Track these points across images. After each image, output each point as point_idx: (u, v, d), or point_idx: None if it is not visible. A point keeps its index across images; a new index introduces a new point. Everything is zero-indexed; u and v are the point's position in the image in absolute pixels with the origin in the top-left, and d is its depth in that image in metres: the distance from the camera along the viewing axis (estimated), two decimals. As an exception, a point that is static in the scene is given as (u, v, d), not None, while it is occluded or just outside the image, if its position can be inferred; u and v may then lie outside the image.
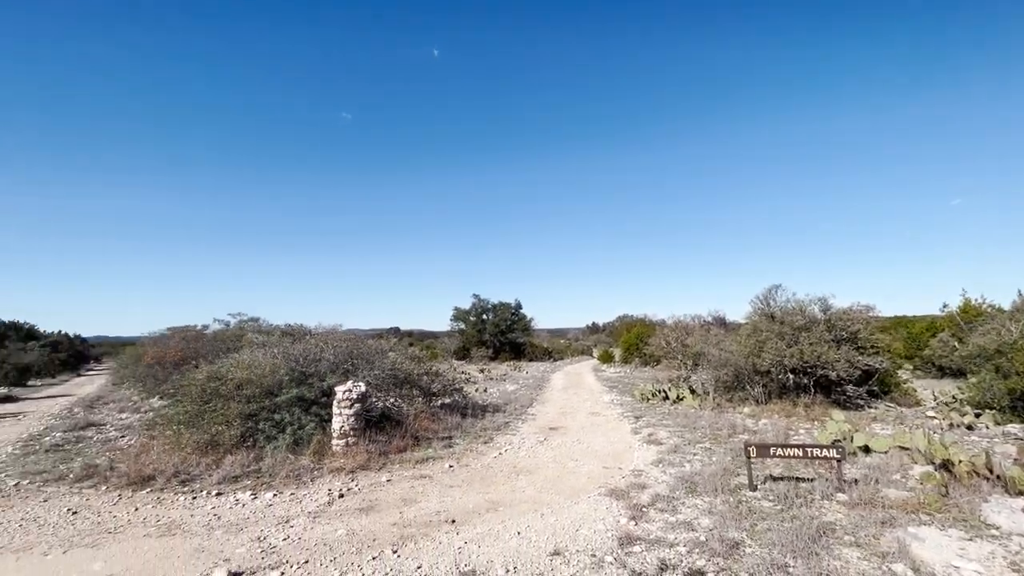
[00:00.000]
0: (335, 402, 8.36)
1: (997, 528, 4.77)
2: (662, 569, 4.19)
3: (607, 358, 36.49)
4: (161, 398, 12.84)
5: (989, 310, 19.07)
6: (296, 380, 8.99)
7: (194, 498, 6.38)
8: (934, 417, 11.02)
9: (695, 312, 24.63)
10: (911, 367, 21.29)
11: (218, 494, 6.48)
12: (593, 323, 77.38)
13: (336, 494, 6.46)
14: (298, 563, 4.50)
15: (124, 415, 13.21)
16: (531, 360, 39.65)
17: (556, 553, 4.58)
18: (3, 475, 7.59)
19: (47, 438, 10.31)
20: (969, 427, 9.83)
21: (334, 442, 8.18)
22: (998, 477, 5.84)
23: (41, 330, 37.03)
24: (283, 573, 4.31)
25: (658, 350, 21.96)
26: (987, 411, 10.45)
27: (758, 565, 4.09)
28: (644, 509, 5.63)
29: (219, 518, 5.70)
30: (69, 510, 5.99)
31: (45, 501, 6.39)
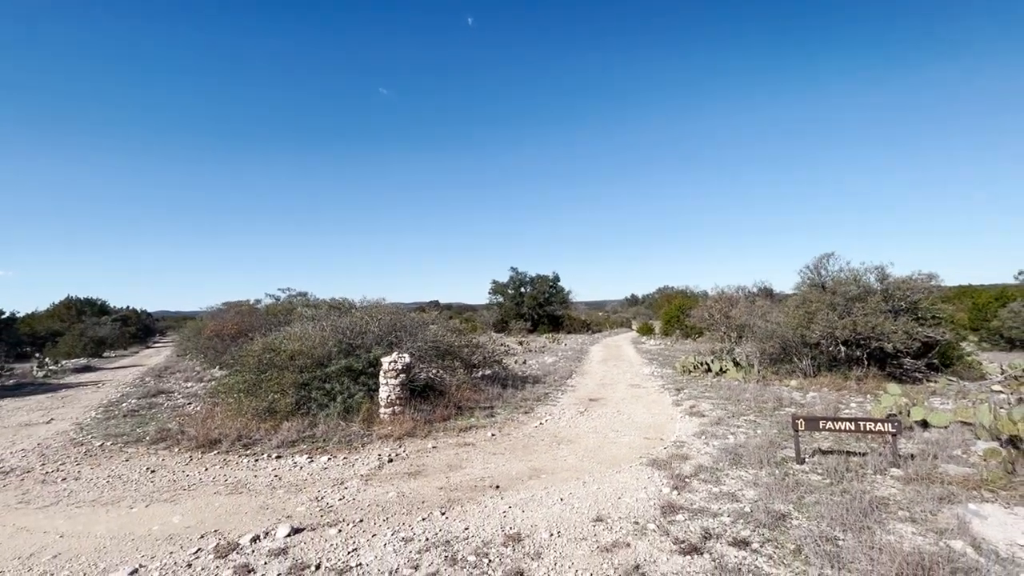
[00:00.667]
0: (381, 372, 8.69)
1: (1069, 507, 4.52)
2: (706, 538, 4.21)
3: (647, 330, 36.05)
4: (221, 368, 13.68)
5: (1070, 277, 17.55)
6: (344, 351, 9.38)
7: (256, 460, 6.85)
8: (1001, 391, 10.38)
9: (739, 283, 23.82)
10: (976, 339, 20.00)
11: (278, 457, 6.93)
12: (632, 295, 76.39)
13: (386, 459, 6.78)
14: (354, 522, 4.78)
15: (189, 384, 14.20)
16: (569, 332, 39.67)
17: (599, 519, 4.68)
18: (90, 436, 8.37)
19: (124, 404, 11.23)
20: (1041, 402, 9.21)
21: (381, 410, 8.54)
22: (1073, 455, 5.49)
23: (112, 306, 39.88)
24: (340, 531, 4.60)
25: (700, 322, 21.48)
26: (1063, 386, 9.74)
27: (805, 537, 4.05)
28: (686, 479, 5.64)
29: (280, 479, 6.11)
30: (148, 469, 6.57)
31: (127, 460, 7.02)
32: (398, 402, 8.58)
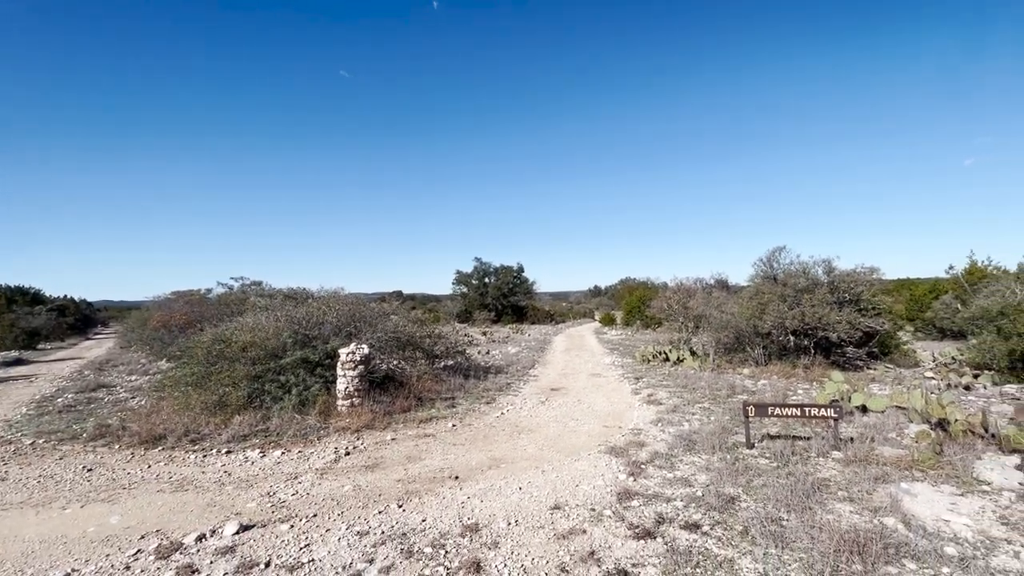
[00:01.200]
0: (339, 364, 8.47)
1: (989, 484, 4.88)
2: (659, 522, 4.31)
3: (609, 321, 36.72)
4: (168, 360, 13.04)
5: (995, 272, 18.93)
6: (300, 343, 9.08)
7: (204, 456, 6.56)
8: (932, 378, 11.13)
9: (697, 275, 24.53)
10: (912, 329, 21.36)
11: (228, 452, 6.66)
12: (595, 286, 77.52)
13: (343, 452, 6.62)
14: (307, 517, 4.65)
15: (133, 377, 13.46)
16: (533, 323, 39.94)
17: (556, 507, 4.72)
18: (19, 434, 7.80)
19: (59, 399, 10.53)
20: (967, 387, 9.93)
21: (339, 402, 8.33)
22: (992, 435, 5.93)
23: (48, 295, 37.30)
24: (293, 526, 4.46)
25: (659, 313, 22.00)
26: (986, 372, 10.54)
27: (752, 519, 4.21)
28: (642, 466, 5.76)
29: (229, 475, 5.87)
30: (84, 467, 6.17)
31: (61, 459, 6.58)
32: (356, 394, 8.40)
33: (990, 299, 13.36)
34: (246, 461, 6.33)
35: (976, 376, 10.47)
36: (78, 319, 36.23)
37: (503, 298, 41.07)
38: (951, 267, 20.60)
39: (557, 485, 5.32)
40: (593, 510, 4.64)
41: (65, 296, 40.93)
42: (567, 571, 3.62)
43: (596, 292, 73.71)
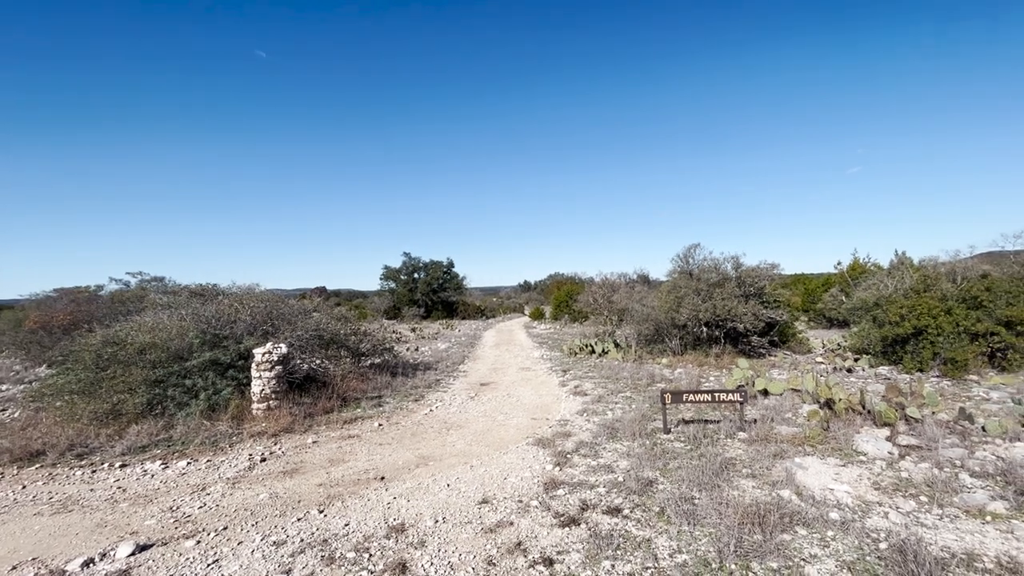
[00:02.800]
0: (254, 365, 7.93)
1: (865, 455, 5.52)
2: (583, 509, 4.45)
3: (538, 315, 37.40)
4: (49, 366, 11.55)
5: (872, 268, 21.46)
6: (209, 343, 8.39)
7: (94, 472, 5.88)
8: (822, 362, 12.42)
9: (622, 270, 25.66)
10: (807, 319, 23.71)
11: (122, 466, 6.02)
12: (525, 281, 78.63)
13: (258, 458, 6.22)
14: (216, 530, 4.31)
15: (4, 387, 11.77)
16: (464, 318, 39.78)
17: (484, 501, 4.73)
18: None
19: (-95, 415, 8.97)
20: (849, 370, 11.19)
21: (254, 406, 7.81)
22: (869, 412, 6.73)
23: None
24: (199, 541, 4.12)
25: (586, 307, 22.75)
26: (864, 356, 11.92)
27: (668, 499, 4.47)
28: (568, 455, 5.93)
29: (124, 491, 5.31)
30: (-63, 493, 5.31)
31: (-94, 485, 5.61)
32: (274, 396, 7.91)
33: (867, 292, 15.14)
34: (145, 474, 5.76)
35: (856, 360, 11.81)
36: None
37: (433, 294, 40.56)
38: (838, 263, 23.08)
39: (485, 480, 5.33)
40: (520, 502, 4.70)
41: (-86, 295, 34.98)
42: (494, 564, 3.64)
43: (526, 287, 74.80)
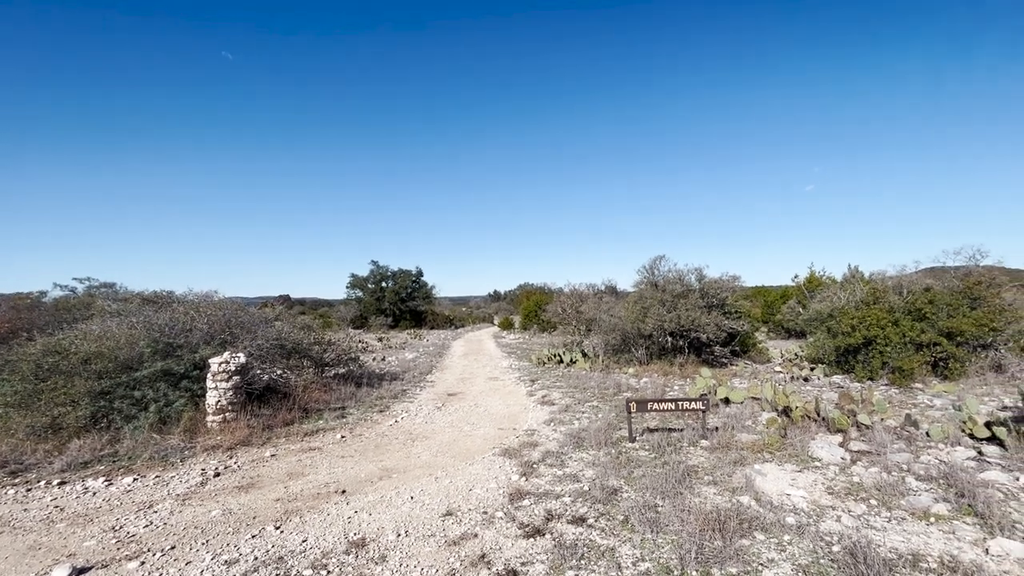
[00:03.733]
0: (209, 375, 7.61)
1: (819, 460, 5.71)
2: (548, 519, 4.43)
3: (507, 325, 37.41)
4: (-17, 378, 10.75)
5: (826, 280, 22.42)
6: (161, 352, 8.00)
7: (29, 490, 5.49)
8: (780, 372, 12.85)
9: (590, 281, 26.01)
10: (767, 330, 24.53)
11: (61, 483, 5.64)
12: (495, 291, 78.69)
13: (211, 473, 5.93)
14: (162, 550, 4.07)
15: (-70, 400, 10.89)
16: (432, 328, 39.39)
17: (448, 514, 4.65)
18: None
19: None
20: (806, 379, 11.61)
21: (209, 418, 7.48)
22: (823, 419, 6.98)
23: None
24: (144, 563, 3.88)
25: (555, 317, 22.89)
26: (820, 365, 12.39)
27: (632, 508, 4.49)
28: (535, 465, 5.90)
29: (62, 510, 4.97)
30: None
31: None
32: (230, 408, 7.60)
33: (822, 304, 15.79)
34: (86, 492, 5.41)
35: (812, 369, 12.27)
36: None
37: (401, 303, 40.04)
38: (795, 276, 24.02)
39: (450, 491, 5.24)
40: (485, 513, 4.64)
41: None
42: (457, 577, 3.57)
43: (496, 297, 74.83)
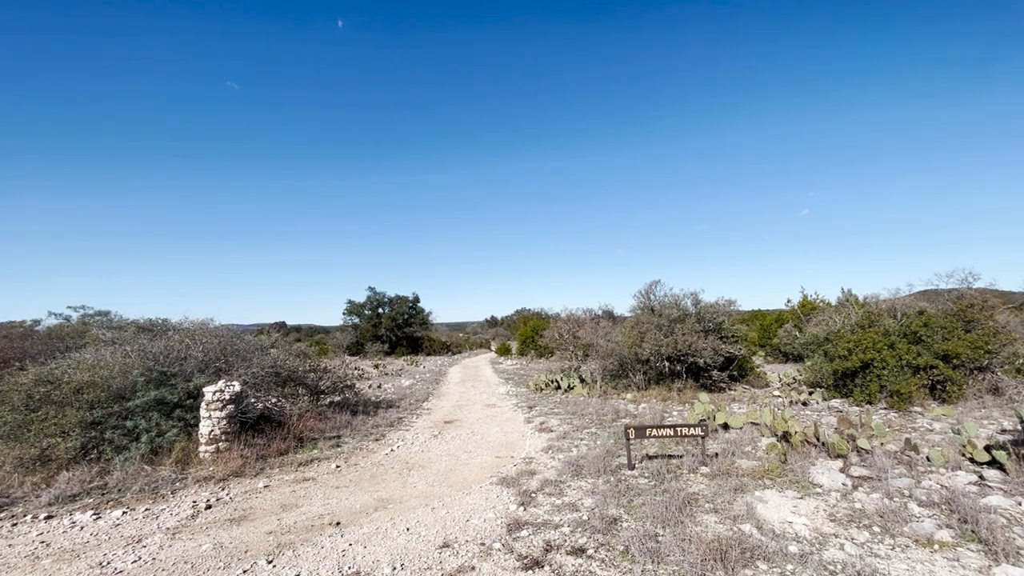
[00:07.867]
0: (203, 404, 7.52)
1: (820, 486, 5.65)
2: (547, 550, 4.34)
3: (504, 351, 37.23)
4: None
5: (821, 304, 22.54)
6: (155, 381, 7.92)
7: (15, 524, 5.35)
8: (778, 396, 12.79)
9: (587, 306, 26.07)
10: (763, 354, 24.49)
11: (48, 517, 5.50)
12: (492, 317, 78.57)
13: (202, 505, 5.81)
14: (150, 587, 3.96)
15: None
16: (429, 354, 39.17)
17: (445, 545, 4.55)
18: None
19: None
20: (804, 403, 11.55)
21: (202, 448, 7.36)
22: (823, 444, 6.93)
23: None
24: (131, 600, 3.77)
25: (552, 342, 22.84)
26: (818, 389, 12.35)
27: (632, 537, 4.42)
28: (533, 495, 5.81)
29: (48, 545, 4.84)
30: None
31: None
32: (224, 437, 7.48)
33: (818, 327, 15.85)
34: (73, 526, 5.28)
35: (811, 393, 12.23)
36: None
37: (397, 329, 39.87)
38: (789, 300, 24.13)
39: (447, 522, 5.14)
40: (483, 544, 4.54)
41: None
42: (454, 612, 3.48)
43: (493, 323, 74.67)
